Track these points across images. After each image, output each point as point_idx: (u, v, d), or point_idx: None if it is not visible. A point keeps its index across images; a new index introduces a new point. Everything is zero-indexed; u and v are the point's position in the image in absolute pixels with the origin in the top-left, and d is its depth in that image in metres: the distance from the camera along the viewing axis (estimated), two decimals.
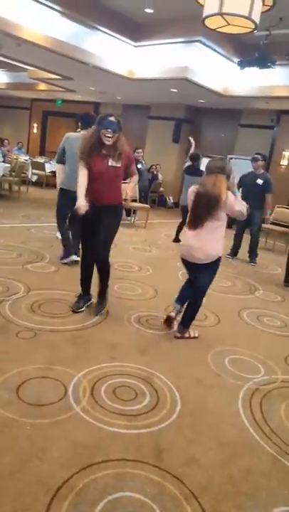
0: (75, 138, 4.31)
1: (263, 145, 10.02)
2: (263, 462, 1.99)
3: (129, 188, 3.39)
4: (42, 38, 6.90)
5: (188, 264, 3.16)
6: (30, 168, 10.32)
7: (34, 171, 10.87)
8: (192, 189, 3.05)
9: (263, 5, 4.20)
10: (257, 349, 3.25)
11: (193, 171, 6.25)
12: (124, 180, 3.35)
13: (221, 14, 4.11)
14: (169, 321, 3.29)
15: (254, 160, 6.11)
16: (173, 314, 3.25)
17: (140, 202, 8.41)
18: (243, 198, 3.22)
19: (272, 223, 7.85)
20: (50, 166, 10.83)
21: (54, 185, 4.97)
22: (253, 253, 6.25)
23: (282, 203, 8.66)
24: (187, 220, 3.11)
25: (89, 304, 3.52)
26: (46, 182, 11.09)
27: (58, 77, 10.14)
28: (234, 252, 6.32)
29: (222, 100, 9.37)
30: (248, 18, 4.08)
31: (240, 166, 6.53)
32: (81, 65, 7.85)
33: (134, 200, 7.75)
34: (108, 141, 3.06)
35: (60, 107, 14.82)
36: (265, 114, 10.21)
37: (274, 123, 10.41)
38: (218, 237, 3.01)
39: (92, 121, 3.60)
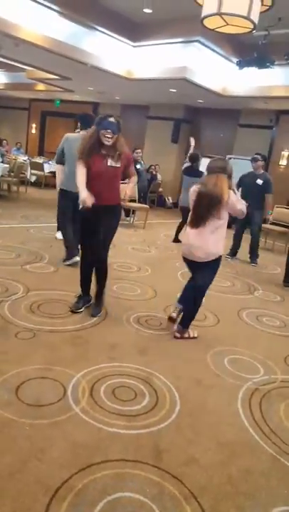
0: (74, 139, 4.32)
1: (261, 145, 10.03)
2: (262, 462, 1.99)
3: (129, 189, 3.39)
4: (40, 38, 6.89)
5: (189, 263, 3.18)
6: (28, 168, 10.32)
7: (33, 171, 10.86)
8: (194, 189, 3.07)
9: (262, 5, 4.21)
10: (256, 349, 3.25)
11: (193, 171, 6.24)
12: (123, 180, 3.35)
13: (219, 14, 4.11)
14: (172, 319, 3.29)
15: (254, 160, 6.12)
16: (174, 315, 3.26)
17: (139, 202, 8.40)
18: (243, 197, 3.23)
19: (272, 223, 7.87)
20: (49, 167, 10.82)
21: (53, 186, 4.97)
22: (253, 254, 6.25)
23: (281, 203, 8.65)
24: (188, 219, 3.12)
25: (88, 304, 3.52)
26: (45, 182, 11.08)
27: (57, 77, 10.12)
28: (233, 252, 6.32)
29: (221, 100, 9.37)
30: (247, 18, 4.08)
31: (239, 166, 6.50)
32: (79, 65, 7.84)
33: (133, 201, 7.75)
34: (108, 142, 3.07)
35: (58, 107, 14.81)
36: (264, 114, 10.21)
37: (273, 123, 10.41)
38: (219, 236, 3.03)
39: (91, 122, 3.61)
